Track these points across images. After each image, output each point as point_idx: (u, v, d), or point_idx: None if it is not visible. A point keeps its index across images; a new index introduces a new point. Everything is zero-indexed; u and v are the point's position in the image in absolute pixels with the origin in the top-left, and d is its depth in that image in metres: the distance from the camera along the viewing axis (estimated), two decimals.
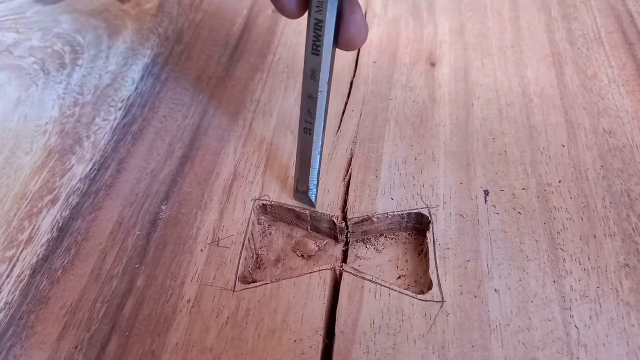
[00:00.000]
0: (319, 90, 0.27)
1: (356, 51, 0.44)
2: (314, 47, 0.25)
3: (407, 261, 0.32)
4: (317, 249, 0.32)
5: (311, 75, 0.26)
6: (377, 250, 0.32)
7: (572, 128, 0.36)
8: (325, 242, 0.33)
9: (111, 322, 0.29)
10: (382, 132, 0.37)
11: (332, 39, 0.25)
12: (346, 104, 0.40)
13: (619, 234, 0.30)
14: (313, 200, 0.32)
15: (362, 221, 0.32)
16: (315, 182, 0.31)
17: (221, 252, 0.31)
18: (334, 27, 0.25)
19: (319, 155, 0.30)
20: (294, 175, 0.32)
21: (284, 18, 0.48)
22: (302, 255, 0.32)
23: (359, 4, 0.26)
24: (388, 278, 0.31)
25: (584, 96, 0.38)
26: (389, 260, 0.32)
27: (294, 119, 0.39)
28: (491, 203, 0.32)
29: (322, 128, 0.29)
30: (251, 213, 0.33)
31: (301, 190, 0.32)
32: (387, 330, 0.27)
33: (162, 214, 0.33)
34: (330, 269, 0.30)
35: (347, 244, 0.33)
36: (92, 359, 0.27)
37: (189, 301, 0.29)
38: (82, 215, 0.34)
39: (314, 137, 0.29)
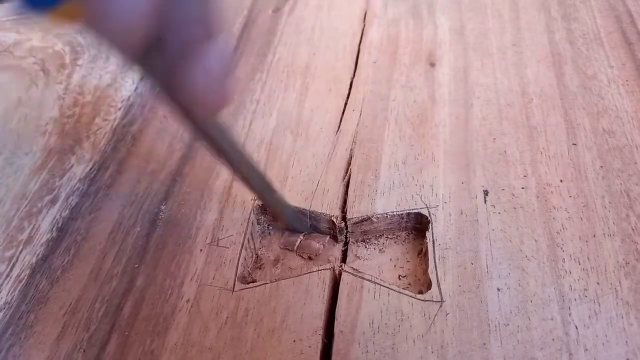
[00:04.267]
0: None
1: (356, 51, 0.44)
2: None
3: (406, 261, 0.32)
4: (321, 246, 0.32)
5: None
6: (377, 250, 0.32)
7: (572, 128, 0.36)
8: (327, 238, 0.33)
9: (110, 322, 0.29)
10: (382, 132, 0.37)
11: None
12: (346, 103, 0.40)
13: (618, 233, 0.30)
14: (301, 229, 0.33)
15: (362, 221, 0.32)
16: (295, 221, 0.33)
17: (220, 252, 0.31)
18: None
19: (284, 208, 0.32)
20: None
21: (284, 18, 0.49)
22: (309, 257, 0.32)
23: (206, 52, 0.18)
24: (387, 278, 0.31)
25: (583, 96, 0.38)
26: (389, 260, 0.32)
27: (294, 119, 0.39)
28: (490, 203, 0.32)
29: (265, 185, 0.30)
30: (250, 213, 0.33)
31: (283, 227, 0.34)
32: (386, 329, 0.27)
33: (161, 213, 0.34)
34: (330, 269, 0.30)
35: (346, 243, 0.33)
36: (92, 359, 0.27)
37: (188, 301, 0.29)
38: (81, 215, 0.34)
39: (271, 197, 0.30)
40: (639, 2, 0.46)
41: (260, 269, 0.32)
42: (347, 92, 0.41)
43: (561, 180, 0.33)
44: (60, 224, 0.33)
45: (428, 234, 0.31)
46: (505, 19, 0.46)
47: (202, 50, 0.18)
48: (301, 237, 0.32)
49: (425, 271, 0.30)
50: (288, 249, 0.32)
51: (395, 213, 0.32)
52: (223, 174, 0.35)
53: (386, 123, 0.38)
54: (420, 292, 0.29)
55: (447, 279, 0.29)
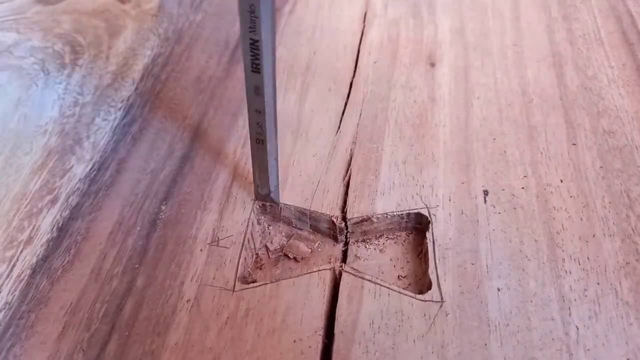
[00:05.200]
0: (265, 104, 0.27)
1: (356, 51, 0.44)
2: (253, 65, 0.25)
3: (406, 261, 0.32)
4: (309, 251, 0.32)
5: (255, 91, 0.26)
6: (377, 250, 0.32)
7: (572, 128, 0.36)
8: (317, 243, 0.33)
9: (111, 322, 0.29)
10: (382, 132, 0.37)
11: (270, 56, 0.25)
12: (346, 104, 0.40)
13: (618, 233, 0.30)
14: (276, 199, 0.33)
15: (362, 221, 0.32)
16: (275, 184, 0.32)
17: (221, 252, 0.31)
18: (271, 46, 0.24)
19: (274, 161, 0.31)
20: (253, 180, 0.33)
21: (284, 18, 0.49)
22: (295, 258, 0.32)
23: None
24: (387, 278, 0.31)
25: (583, 96, 0.38)
26: (389, 260, 0.32)
27: (294, 120, 0.39)
28: (490, 203, 0.32)
29: (274, 137, 0.29)
30: (250, 213, 0.33)
31: (263, 193, 0.33)
32: (386, 330, 0.27)
33: (161, 213, 0.34)
34: (330, 269, 0.30)
35: (346, 243, 0.33)
36: (92, 359, 0.27)
37: (188, 301, 0.29)
38: (81, 215, 0.34)
39: (267, 146, 0.29)
40: (639, 2, 0.46)
41: (260, 269, 0.32)
42: (347, 92, 0.41)
43: (561, 181, 0.33)
44: (60, 224, 0.33)
45: (428, 234, 0.31)
46: (506, 19, 0.46)
47: None
48: (292, 239, 0.33)
49: (426, 271, 0.30)
50: (273, 250, 0.33)
51: (395, 213, 0.32)
52: (223, 174, 0.35)
53: (386, 123, 0.38)
54: (421, 293, 0.29)
55: (447, 279, 0.29)
